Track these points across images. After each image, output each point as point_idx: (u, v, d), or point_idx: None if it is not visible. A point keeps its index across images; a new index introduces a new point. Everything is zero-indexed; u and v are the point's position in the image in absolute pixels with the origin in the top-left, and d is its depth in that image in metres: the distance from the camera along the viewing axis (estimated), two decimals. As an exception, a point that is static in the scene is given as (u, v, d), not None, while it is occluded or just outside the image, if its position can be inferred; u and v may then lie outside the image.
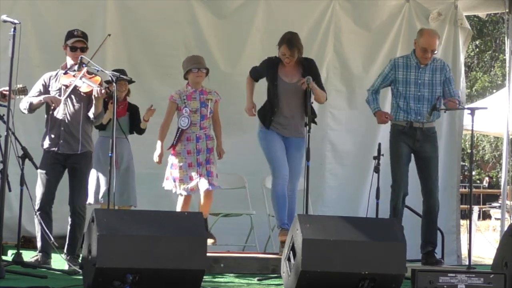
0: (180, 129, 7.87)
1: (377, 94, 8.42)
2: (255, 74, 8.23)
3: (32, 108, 7.47)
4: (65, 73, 7.49)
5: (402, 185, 8.19)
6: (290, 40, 7.99)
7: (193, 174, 7.83)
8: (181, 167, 7.84)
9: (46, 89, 7.51)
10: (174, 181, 7.88)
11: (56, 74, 7.56)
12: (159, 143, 7.95)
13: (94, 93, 7.31)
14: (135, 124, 8.79)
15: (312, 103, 7.94)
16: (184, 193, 7.84)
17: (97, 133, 8.62)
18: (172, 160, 7.91)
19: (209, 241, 7.68)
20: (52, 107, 7.40)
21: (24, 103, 7.46)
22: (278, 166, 8.00)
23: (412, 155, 8.30)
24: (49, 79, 7.54)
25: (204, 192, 7.83)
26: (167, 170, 7.96)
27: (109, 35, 7.67)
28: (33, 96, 7.48)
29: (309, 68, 8.05)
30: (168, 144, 7.99)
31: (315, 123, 7.96)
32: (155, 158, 7.92)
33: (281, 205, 8.04)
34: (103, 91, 7.30)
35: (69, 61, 7.55)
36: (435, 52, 8.30)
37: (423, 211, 8.40)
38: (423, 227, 8.35)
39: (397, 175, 8.20)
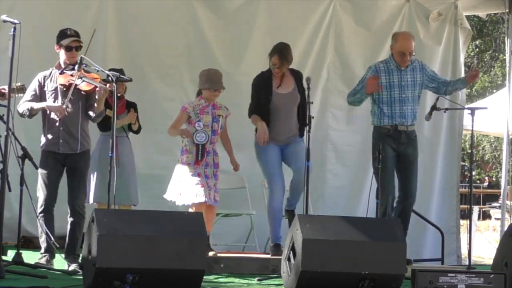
0: (199, 146, 7.79)
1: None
2: (254, 109, 8.18)
3: (32, 113, 7.45)
4: (61, 73, 7.46)
5: (390, 189, 8.13)
6: (281, 51, 8.10)
7: (203, 183, 7.78)
8: (190, 176, 7.79)
9: (41, 90, 7.47)
10: (182, 191, 7.80)
11: (50, 73, 7.53)
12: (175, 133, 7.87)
13: (98, 91, 7.32)
14: (136, 119, 8.75)
15: (312, 103, 7.94)
16: (196, 201, 7.75)
17: (98, 132, 8.62)
18: (180, 169, 7.85)
19: (210, 253, 7.66)
20: (57, 116, 7.39)
21: (23, 107, 7.41)
22: (274, 179, 8.08)
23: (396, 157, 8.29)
24: (44, 79, 7.50)
25: (209, 207, 7.82)
26: (172, 181, 7.89)
27: (95, 30, 7.61)
28: (31, 100, 7.42)
29: (299, 79, 8.16)
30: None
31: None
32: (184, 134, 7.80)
33: (276, 221, 8.12)
34: (106, 89, 7.31)
35: (63, 61, 7.52)
36: (413, 54, 8.26)
37: (397, 211, 8.28)
38: None
39: (385, 179, 8.08)
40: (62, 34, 7.54)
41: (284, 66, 8.08)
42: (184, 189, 7.79)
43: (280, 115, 8.09)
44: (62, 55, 7.51)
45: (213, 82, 7.87)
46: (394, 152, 8.22)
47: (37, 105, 7.43)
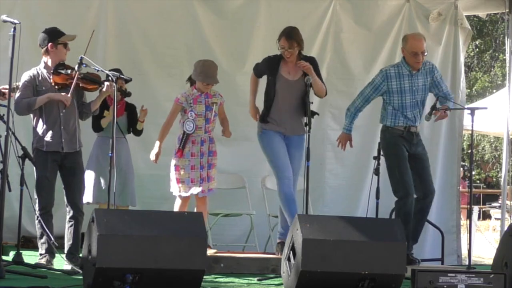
0: (185, 133, 7.83)
1: (358, 113, 8.37)
2: (258, 71, 8.23)
3: (35, 107, 7.37)
4: (56, 73, 7.42)
5: (412, 187, 8.07)
6: (289, 33, 8.01)
7: (195, 177, 7.81)
8: (183, 169, 7.83)
9: (35, 89, 7.45)
10: (177, 183, 7.86)
11: (37, 73, 7.47)
12: (157, 142, 7.90)
13: (105, 88, 7.35)
14: (133, 123, 8.79)
15: (312, 103, 7.92)
16: (184, 194, 7.82)
17: (94, 133, 8.64)
18: (175, 161, 7.89)
19: (210, 251, 7.66)
20: (65, 105, 7.38)
21: (22, 106, 7.35)
22: (282, 168, 7.98)
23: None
24: (34, 78, 7.45)
25: (199, 197, 7.83)
26: (171, 173, 7.93)
27: (94, 30, 7.64)
28: (28, 97, 7.39)
29: (311, 65, 8.02)
30: (168, 144, 7.98)
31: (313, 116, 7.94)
32: (152, 156, 7.86)
33: (291, 207, 7.89)
34: (111, 86, 7.33)
35: (53, 60, 7.46)
36: (426, 53, 8.26)
37: (417, 209, 8.27)
38: (413, 225, 8.19)
39: (406, 178, 8.03)
40: (57, 32, 7.51)
41: (293, 48, 7.97)
42: (175, 179, 7.85)
43: (285, 102, 8.02)
44: (57, 53, 7.47)
45: (207, 76, 7.86)
46: (407, 152, 8.22)
47: (40, 98, 7.38)
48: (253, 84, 8.25)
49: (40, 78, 7.46)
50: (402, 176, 8.07)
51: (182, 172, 7.82)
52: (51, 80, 7.43)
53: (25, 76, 7.47)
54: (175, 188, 7.88)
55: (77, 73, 7.37)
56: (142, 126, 8.76)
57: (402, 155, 8.13)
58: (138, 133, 8.83)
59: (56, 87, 7.43)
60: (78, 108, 7.57)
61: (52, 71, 7.44)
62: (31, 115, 7.51)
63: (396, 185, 8.09)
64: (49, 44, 7.47)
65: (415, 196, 8.20)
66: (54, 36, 7.49)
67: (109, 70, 7.80)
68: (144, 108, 8.71)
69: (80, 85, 7.43)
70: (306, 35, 10.17)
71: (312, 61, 8.13)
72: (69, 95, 7.36)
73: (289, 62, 8.04)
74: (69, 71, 7.41)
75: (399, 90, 8.18)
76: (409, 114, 8.19)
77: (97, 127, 8.50)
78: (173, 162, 7.90)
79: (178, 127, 7.98)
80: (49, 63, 7.48)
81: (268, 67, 8.09)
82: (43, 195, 7.42)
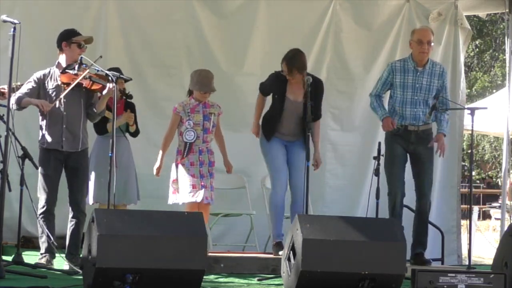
0: (187, 143, 7.85)
1: (381, 98, 8.41)
2: (265, 90, 8.23)
3: (21, 105, 7.39)
4: (64, 72, 7.46)
5: (398, 185, 8.20)
6: (290, 59, 8.02)
7: (197, 183, 7.81)
8: (184, 177, 7.82)
9: (40, 88, 7.46)
10: (178, 191, 7.84)
11: (49, 72, 7.53)
12: (160, 154, 7.93)
13: (107, 90, 7.34)
14: (134, 121, 8.75)
15: (312, 103, 7.92)
16: (187, 200, 7.79)
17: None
18: (174, 174, 7.88)
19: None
20: (42, 111, 7.38)
21: (15, 100, 7.33)
22: (278, 176, 8.07)
23: (408, 156, 8.33)
24: (43, 77, 7.49)
25: (203, 205, 7.83)
26: (170, 184, 7.92)
27: (101, 56, 7.66)
28: (25, 93, 7.42)
29: (314, 88, 7.96)
30: (170, 155, 7.99)
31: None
32: (154, 170, 7.90)
33: (278, 215, 8.11)
34: (112, 87, 7.33)
35: (67, 60, 7.51)
36: (432, 43, 8.28)
37: (415, 212, 8.42)
38: (414, 227, 8.36)
39: (393, 176, 8.21)
40: (72, 32, 7.56)
41: (294, 74, 7.98)
42: (177, 189, 7.83)
43: (289, 119, 8.08)
44: (70, 52, 7.51)
45: (203, 85, 7.88)
46: (404, 150, 8.26)
47: (26, 99, 7.38)
48: (260, 103, 8.24)
49: (50, 77, 7.50)
50: (389, 174, 8.23)
51: (182, 181, 7.80)
52: (59, 79, 7.46)
53: (36, 74, 7.54)
54: (177, 197, 7.86)
55: (81, 73, 7.36)
56: (134, 128, 8.72)
57: (394, 153, 8.23)
58: (132, 134, 8.79)
59: (64, 86, 7.45)
60: (86, 109, 7.57)
61: (61, 71, 7.47)
62: (38, 113, 7.53)
63: (386, 182, 8.22)
64: (63, 42, 7.51)
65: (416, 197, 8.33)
66: (68, 35, 7.56)
67: (109, 69, 7.80)
68: (130, 113, 8.66)
69: (83, 85, 7.44)
70: (306, 35, 10.24)
71: (317, 84, 8.10)
72: (55, 101, 7.35)
73: (293, 83, 8.05)
74: (75, 71, 7.42)
75: (402, 85, 8.23)
76: (407, 112, 8.21)
77: (102, 130, 8.46)
78: (172, 174, 7.90)
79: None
80: (62, 62, 7.53)
81: (275, 86, 8.11)
82: (44, 193, 7.43)
